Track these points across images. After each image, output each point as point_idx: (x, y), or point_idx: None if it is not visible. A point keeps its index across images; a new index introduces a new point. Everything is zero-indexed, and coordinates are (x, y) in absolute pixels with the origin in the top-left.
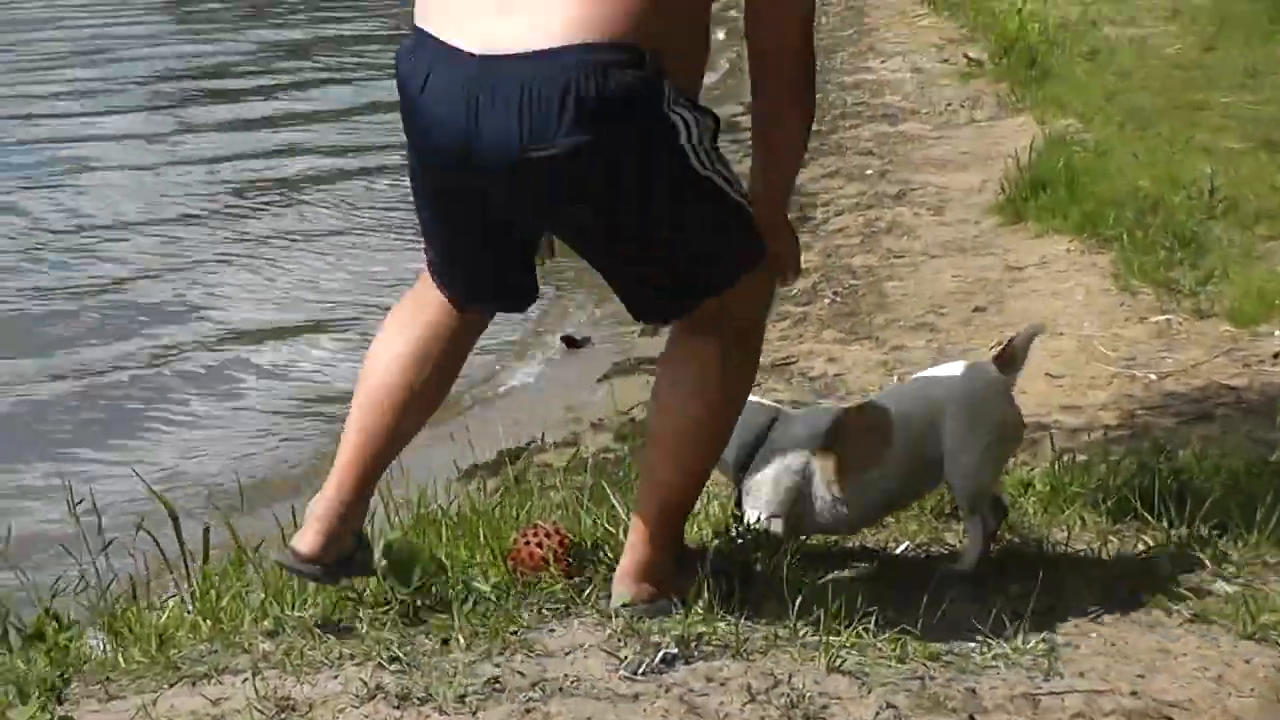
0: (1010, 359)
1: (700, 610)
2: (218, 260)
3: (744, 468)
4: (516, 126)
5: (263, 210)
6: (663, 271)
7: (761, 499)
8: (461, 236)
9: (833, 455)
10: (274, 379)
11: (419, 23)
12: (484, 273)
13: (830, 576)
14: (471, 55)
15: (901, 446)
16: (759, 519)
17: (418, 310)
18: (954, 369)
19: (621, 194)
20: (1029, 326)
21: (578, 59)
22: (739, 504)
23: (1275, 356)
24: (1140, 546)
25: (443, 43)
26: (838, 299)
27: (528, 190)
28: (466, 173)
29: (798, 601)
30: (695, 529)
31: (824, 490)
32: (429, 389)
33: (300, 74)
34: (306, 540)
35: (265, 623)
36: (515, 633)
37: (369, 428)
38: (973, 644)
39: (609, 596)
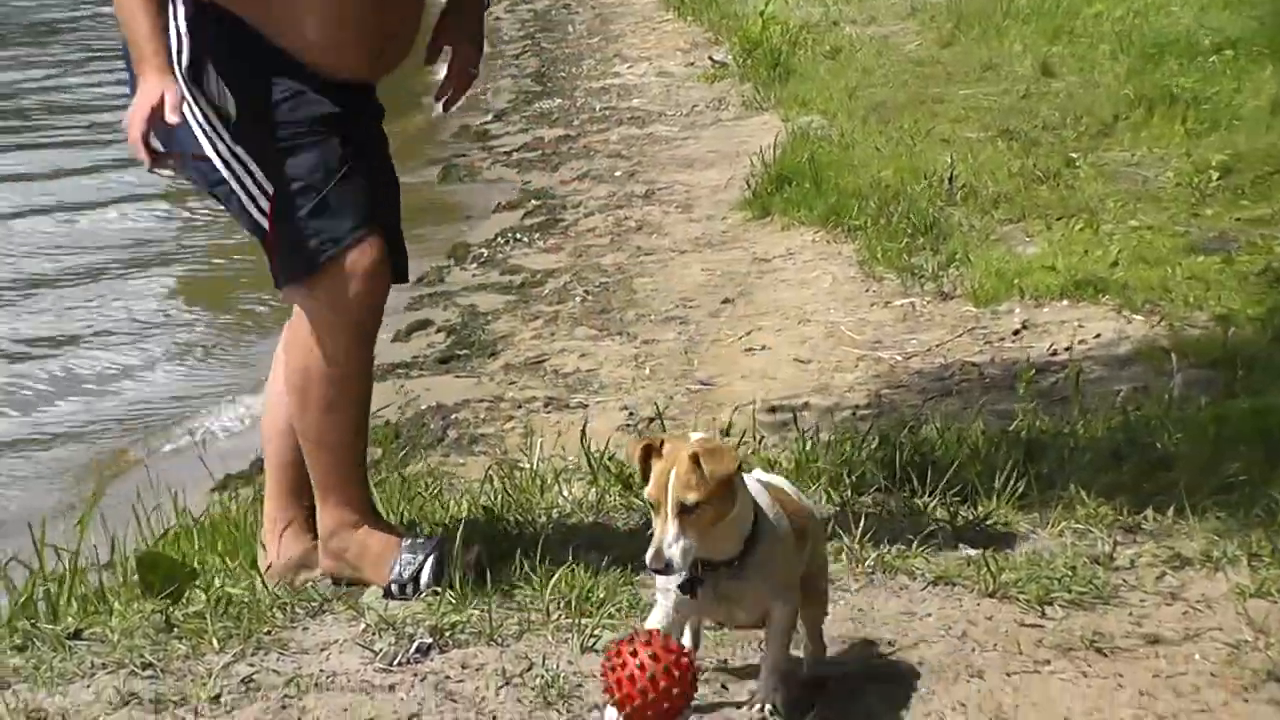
0: None
1: (452, 599)
2: None
3: None
4: None
5: None
6: None
7: None
8: None
9: None
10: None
11: None
12: None
13: (581, 559)
14: None
15: None
16: None
17: None
18: None
19: None
20: None
21: None
22: None
23: (1015, 333)
24: (884, 516)
25: None
26: (589, 297)
27: None
28: None
29: (550, 585)
30: (444, 514)
31: None
32: None
33: None
34: None
35: (14, 638)
36: (269, 632)
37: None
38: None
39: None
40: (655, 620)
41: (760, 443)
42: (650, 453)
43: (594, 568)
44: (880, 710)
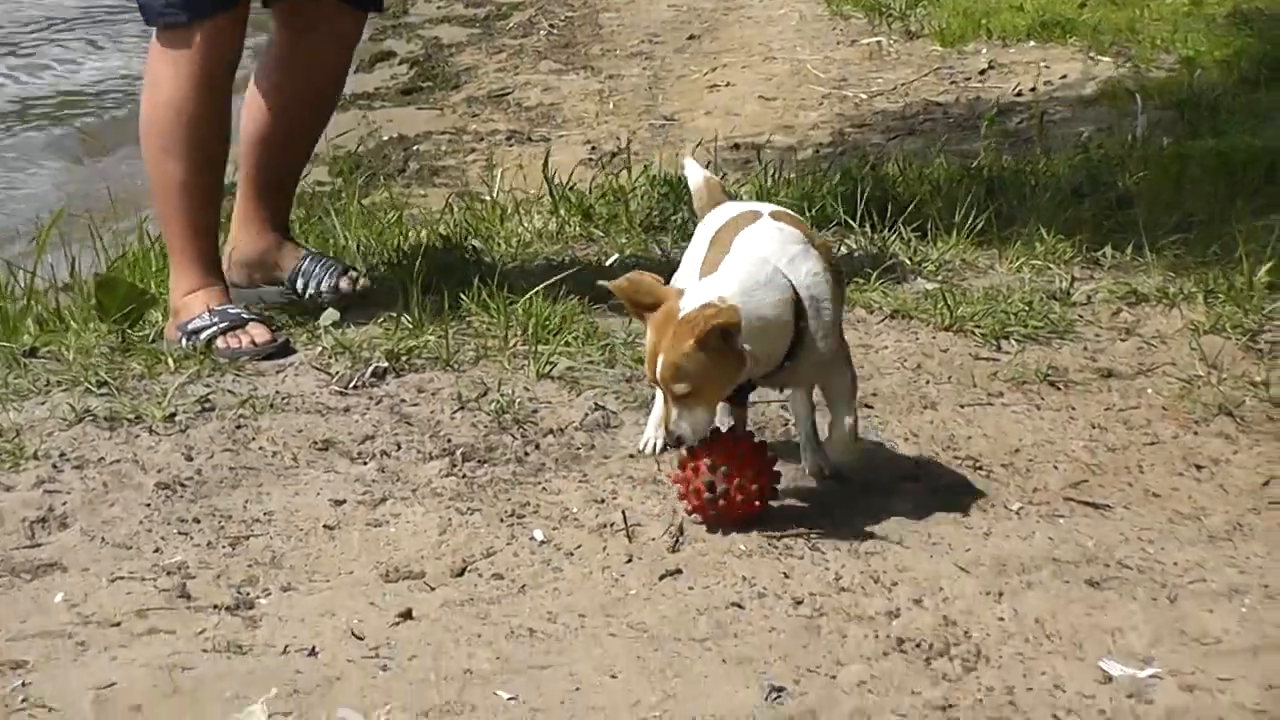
0: None
1: (409, 325)
2: None
3: None
4: None
5: None
6: None
7: None
8: None
9: None
10: None
11: None
12: None
13: (541, 288)
14: None
15: None
16: None
17: None
18: None
19: None
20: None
21: None
22: None
23: (980, 73)
24: (843, 250)
25: None
26: (554, 31)
27: None
28: None
29: (508, 313)
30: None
31: None
32: None
33: None
34: None
35: None
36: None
37: None
38: None
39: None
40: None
41: (723, 179)
42: (637, 305)
43: (552, 296)
44: None
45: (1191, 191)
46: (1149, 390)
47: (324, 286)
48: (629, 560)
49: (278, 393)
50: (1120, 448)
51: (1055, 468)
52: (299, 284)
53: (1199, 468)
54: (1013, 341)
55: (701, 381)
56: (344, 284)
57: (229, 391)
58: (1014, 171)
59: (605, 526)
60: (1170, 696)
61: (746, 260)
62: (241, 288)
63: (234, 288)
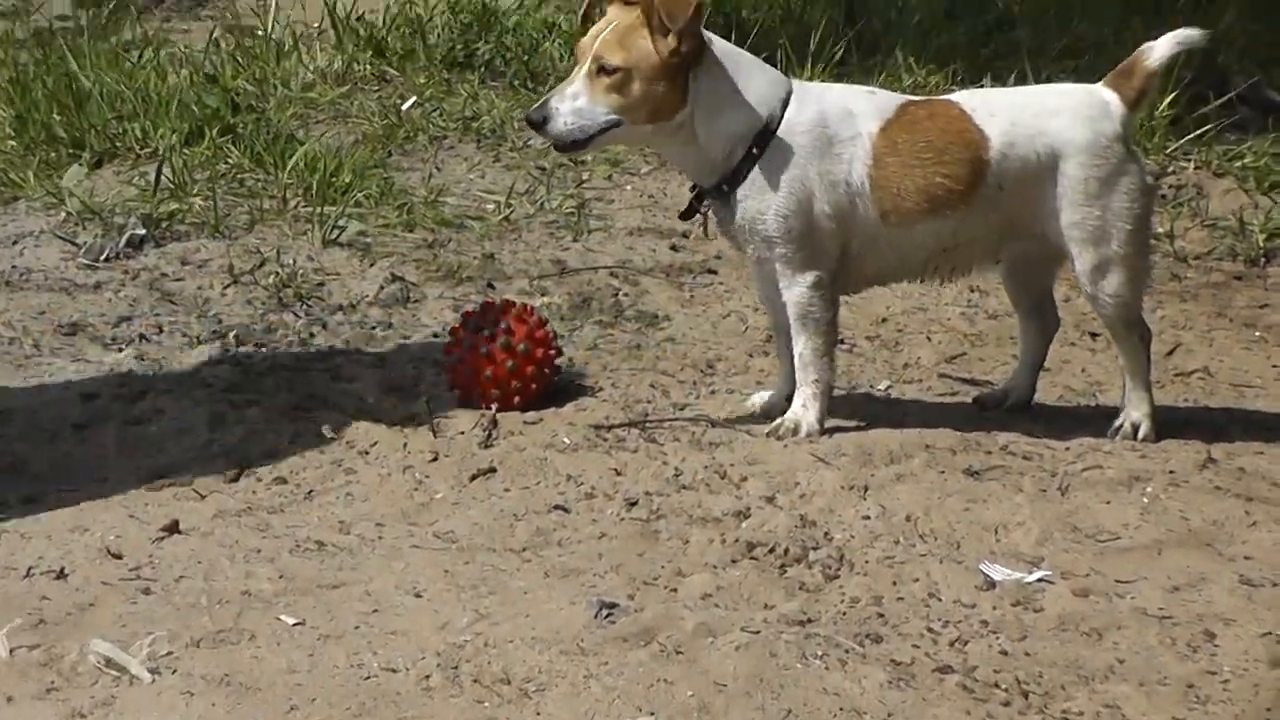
0: (1141, 87)
1: (170, 183)
2: None
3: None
4: None
5: None
6: None
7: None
8: None
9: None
10: None
11: None
12: None
13: (319, 137)
14: None
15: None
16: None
17: None
18: (1068, 97)
19: None
20: (1170, 37)
21: None
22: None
23: None
24: None
25: None
26: None
27: None
28: None
29: (287, 168)
30: (161, 84)
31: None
32: None
33: None
34: None
35: None
36: None
37: None
38: (491, 205)
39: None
40: None
41: (541, 3)
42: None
43: (339, 148)
44: None
45: (1082, 9)
46: None
47: None
48: (434, 459)
49: (14, 267)
50: (1001, 314)
51: (928, 339)
52: None
53: (1093, 335)
54: None
55: (635, 62)
56: None
57: None
58: None
59: (407, 420)
60: (1062, 603)
61: None
62: None
63: None
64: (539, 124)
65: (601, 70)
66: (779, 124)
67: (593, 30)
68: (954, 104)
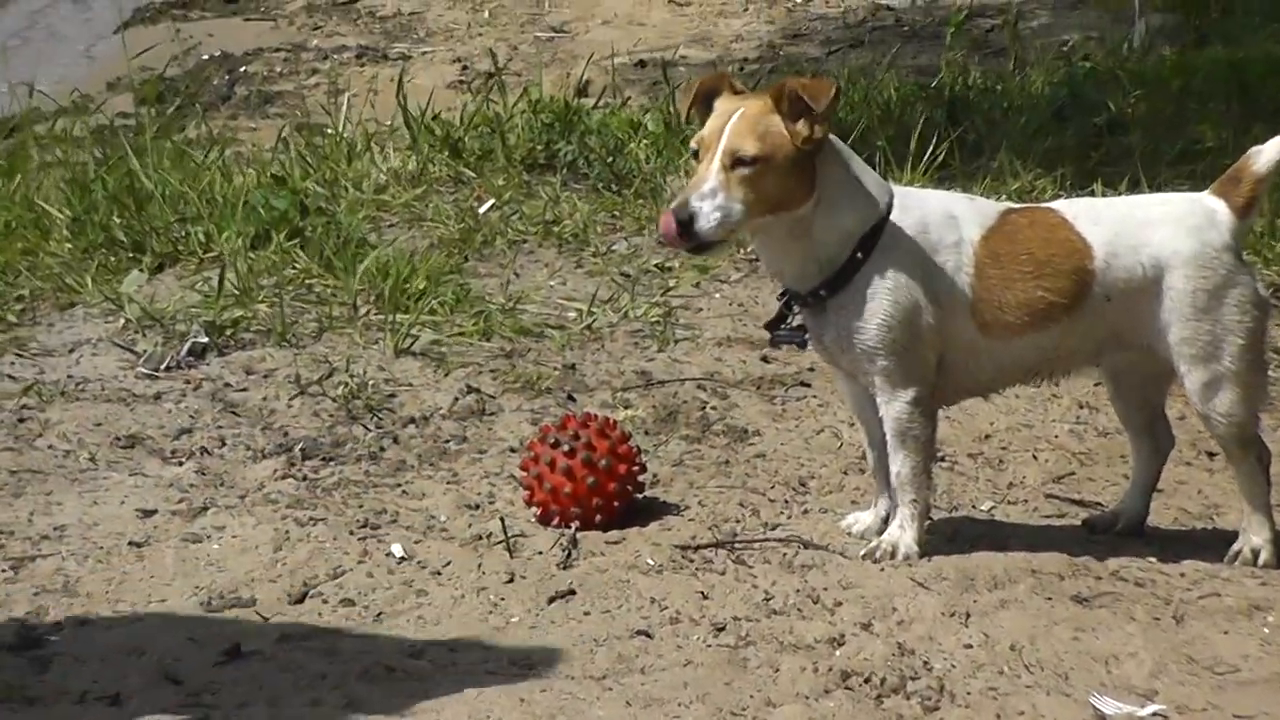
0: (1250, 194)
1: (234, 289)
2: None
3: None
4: None
5: None
6: None
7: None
8: None
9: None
10: None
11: None
12: None
13: (391, 241)
14: None
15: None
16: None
17: None
18: (1172, 206)
19: None
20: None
21: None
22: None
23: None
24: None
25: None
26: None
27: None
28: None
29: (358, 274)
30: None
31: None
32: None
33: None
34: None
35: None
36: (3, 329)
37: None
38: (573, 313)
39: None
40: None
41: (625, 103)
42: (713, 92)
43: (412, 252)
44: None
45: (1198, 113)
46: None
47: None
48: (510, 580)
49: (70, 376)
50: (1112, 432)
51: (1034, 457)
52: None
53: (1210, 455)
54: None
55: (777, 152)
56: None
57: (8, 376)
58: (982, 90)
59: (481, 538)
60: None
61: None
62: None
63: None
64: (686, 224)
65: (738, 163)
66: (884, 228)
67: (714, 122)
68: (1055, 211)
